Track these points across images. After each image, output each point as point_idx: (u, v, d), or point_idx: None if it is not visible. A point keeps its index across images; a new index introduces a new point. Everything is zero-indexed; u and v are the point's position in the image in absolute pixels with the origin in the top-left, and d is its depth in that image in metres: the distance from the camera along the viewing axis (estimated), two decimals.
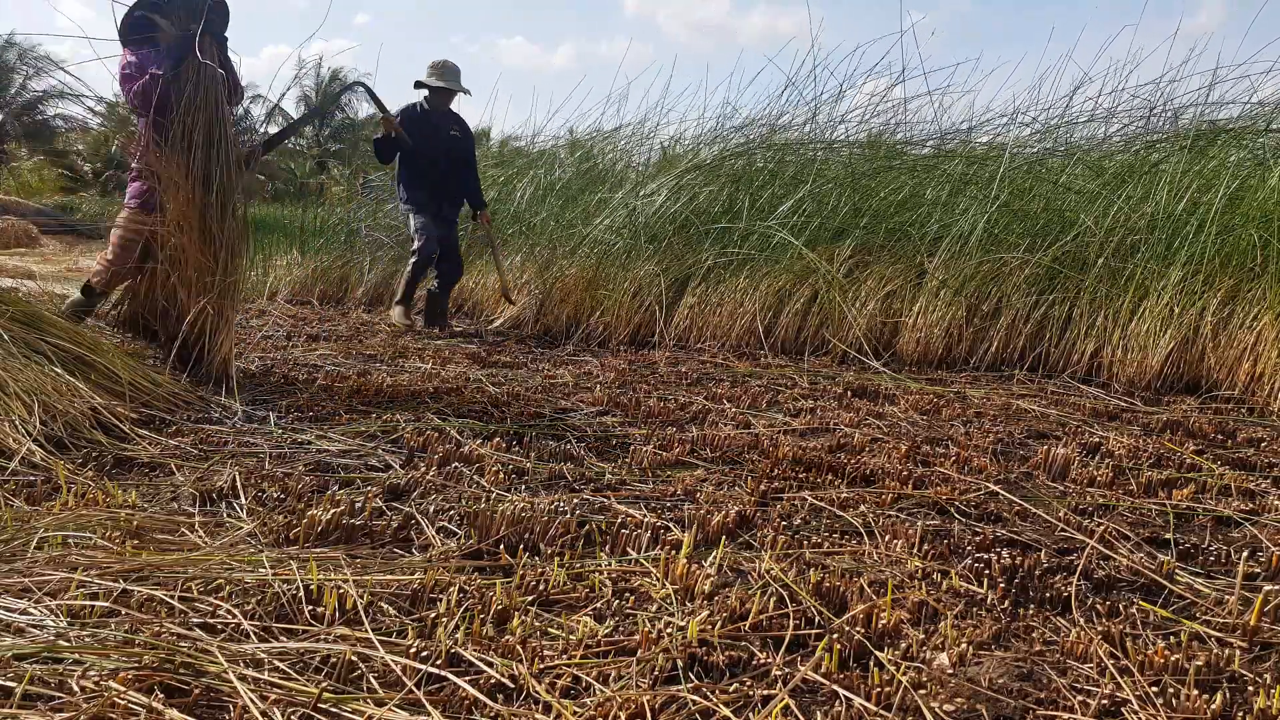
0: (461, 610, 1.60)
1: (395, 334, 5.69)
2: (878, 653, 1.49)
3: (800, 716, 1.31)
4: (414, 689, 1.32)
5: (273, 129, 30.19)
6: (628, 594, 1.72)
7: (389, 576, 1.74)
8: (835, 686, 1.38)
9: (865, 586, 1.75)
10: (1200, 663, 1.47)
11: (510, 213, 8.01)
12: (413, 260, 5.91)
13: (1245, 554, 2.05)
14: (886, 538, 2.09)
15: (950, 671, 1.44)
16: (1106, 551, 2.03)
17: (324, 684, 1.33)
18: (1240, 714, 1.35)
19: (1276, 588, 1.80)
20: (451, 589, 1.69)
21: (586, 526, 2.08)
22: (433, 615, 1.58)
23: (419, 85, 5.97)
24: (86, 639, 1.40)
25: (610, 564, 1.88)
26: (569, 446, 2.85)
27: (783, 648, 1.51)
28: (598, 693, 1.35)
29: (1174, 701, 1.36)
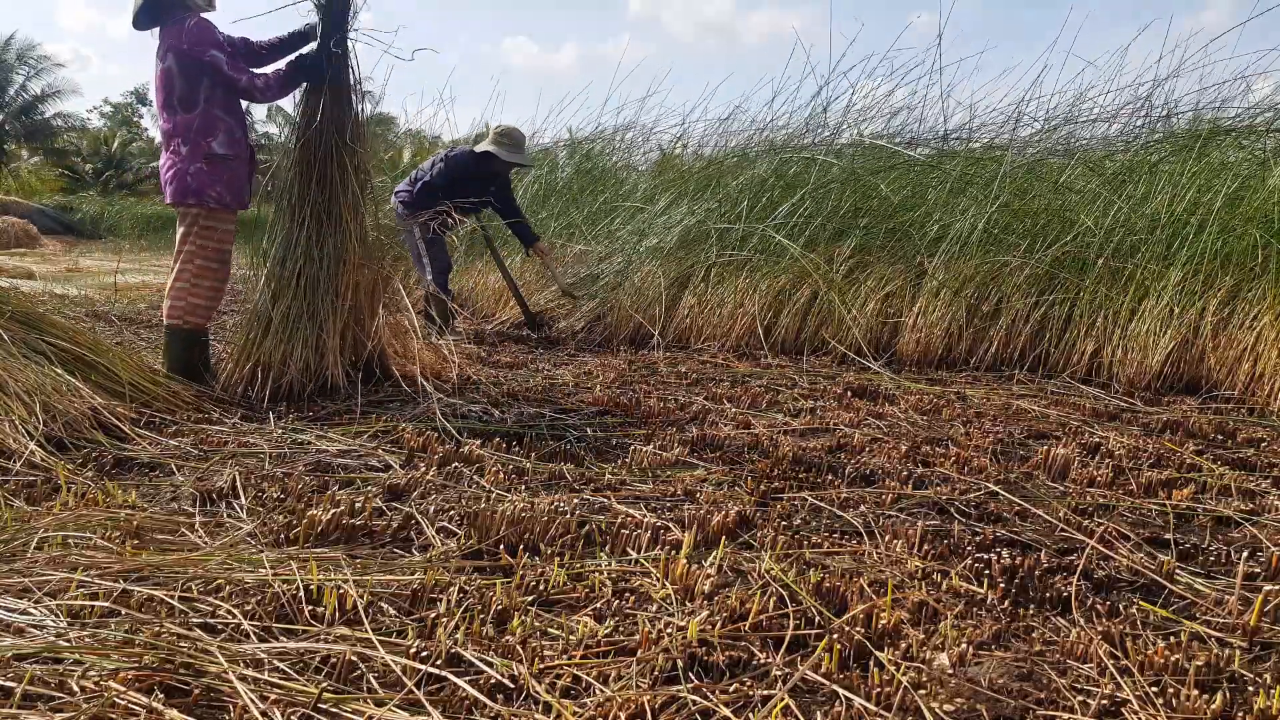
0: (461, 610, 1.60)
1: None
2: (878, 653, 1.49)
3: (800, 716, 1.31)
4: (414, 689, 1.32)
5: (272, 128, 30.10)
6: (628, 594, 1.72)
7: (389, 576, 1.74)
8: (835, 686, 1.38)
9: (865, 586, 1.75)
10: (1200, 663, 1.47)
11: None
12: (429, 293, 5.76)
13: (1245, 554, 2.05)
14: (886, 538, 2.09)
15: (950, 671, 1.44)
16: (1106, 551, 2.03)
17: (324, 684, 1.33)
18: (1240, 714, 1.35)
19: (1276, 588, 1.80)
20: (451, 589, 1.69)
21: (586, 527, 2.08)
22: (433, 615, 1.58)
23: (485, 155, 5.74)
24: (86, 639, 1.40)
25: (610, 564, 1.88)
26: (569, 446, 2.85)
27: (783, 648, 1.51)
28: (598, 693, 1.35)
29: (1174, 701, 1.36)
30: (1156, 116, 6.11)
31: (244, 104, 3.60)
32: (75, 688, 1.27)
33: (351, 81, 3.54)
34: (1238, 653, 1.55)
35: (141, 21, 3.45)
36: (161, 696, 1.26)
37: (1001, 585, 1.79)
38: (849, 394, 3.94)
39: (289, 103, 3.59)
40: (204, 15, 3.41)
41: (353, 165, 3.49)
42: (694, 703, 1.32)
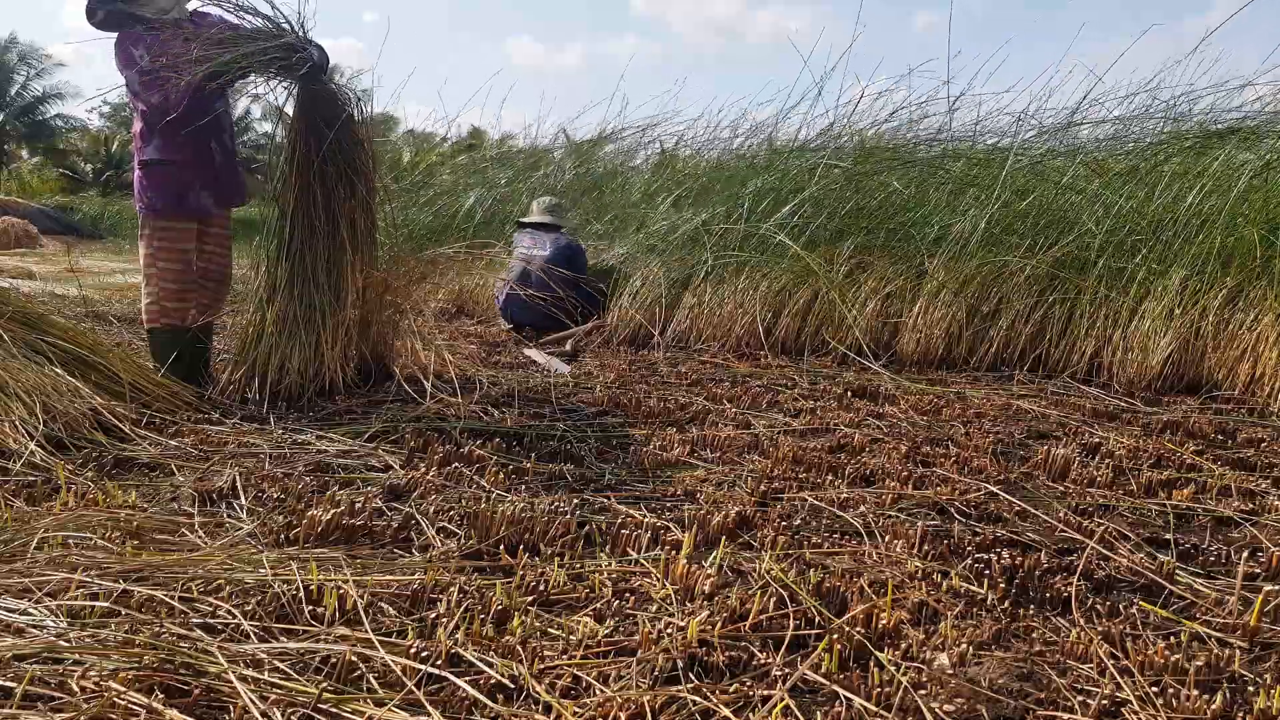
0: (461, 610, 1.60)
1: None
2: (878, 653, 1.49)
3: (800, 716, 1.31)
4: (414, 689, 1.32)
5: (269, 126, 30.05)
6: (628, 594, 1.72)
7: (389, 577, 1.74)
8: (835, 686, 1.38)
9: (865, 586, 1.75)
10: (1200, 663, 1.47)
11: (515, 215, 8.03)
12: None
13: (1245, 554, 2.05)
14: (886, 538, 2.09)
15: (950, 671, 1.44)
16: (1106, 552, 2.03)
17: (324, 684, 1.33)
18: (1240, 714, 1.35)
19: (1276, 588, 1.80)
20: (451, 589, 1.69)
21: (586, 527, 2.08)
22: (433, 615, 1.58)
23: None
24: (86, 639, 1.40)
25: (610, 564, 1.88)
26: (569, 446, 2.85)
27: (783, 648, 1.51)
28: (598, 693, 1.35)
29: (1174, 702, 1.36)
30: (1160, 117, 6.11)
31: (214, 105, 3.50)
32: (75, 688, 1.27)
33: (347, 83, 3.53)
34: (1238, 653, 1.55)
35: (100, 21, 3.40)
36: (161, 696, 1.26)
37: (1001, 585, 1.79)
38: (849, 394, 3.94)
39: (288, 103, 3.56)
40: (137, 30, 3.31)
41: (352, 168, 3.48)
42: (694, 703, 1.32)
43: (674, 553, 1.91)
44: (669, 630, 1.52)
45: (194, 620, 1.51)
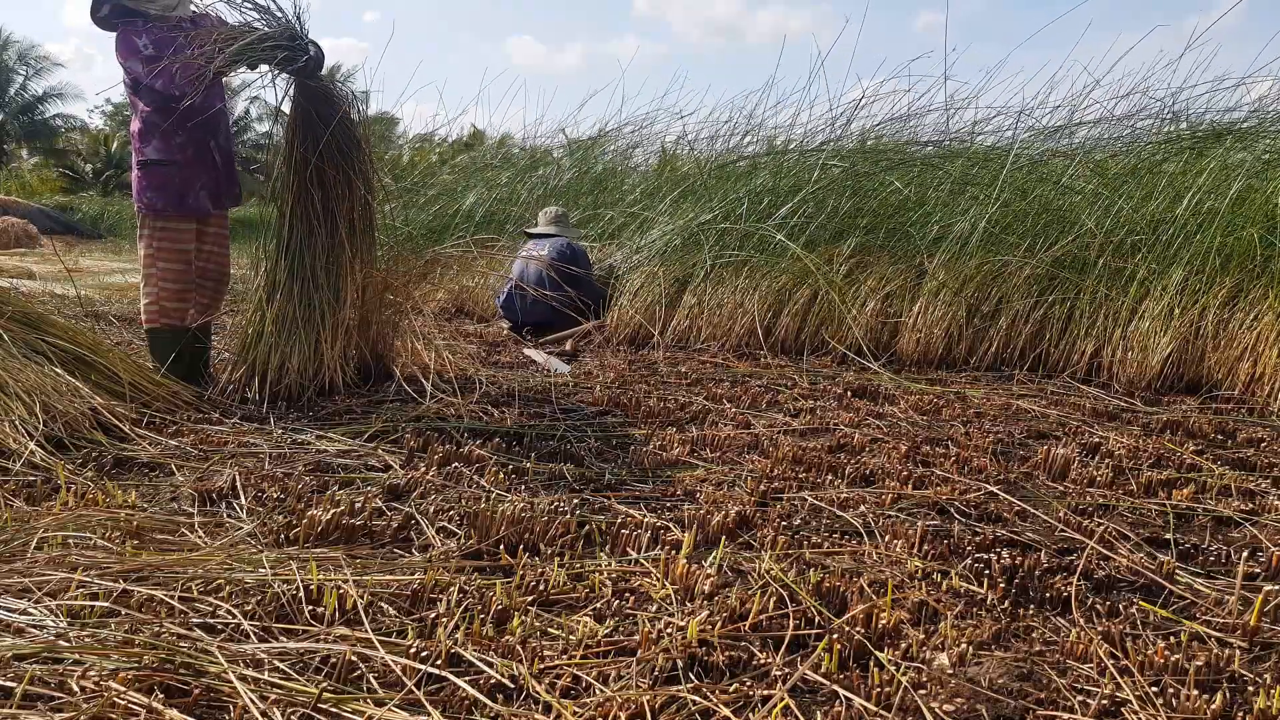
0: (461, 610, 1.60)
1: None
2: (878, 653, 1.49)
3: (800, 716, 1.31)
4: (414, 689, 1.32)
5: (267, 125, 30.01)
6: (628, 594, 1.72)
7: (389, 576, 1.74)
8: (835, 686, 1.38)
9: (865, 586, 1.75)
10: (1200, 663, 1.47)
11: (514, 214, 8.04)
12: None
13: (1245, 554, 2.05)
14: (886, 538, 2.09)
15: (950, 671, 1.44)
16: (1106, 552, 2.03)
17: (324, 684, 1.33)
18: (1240, 714, 1.35)
19: (1276, 588, 1.80)
20: (451, 589, 1.69)
21: (586, 527, 2.08)
22: (433, 615, 1.58)
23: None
24: (86, 639, 1.40)
25: (610, 564, 1.88)
26: (569, 446, 2.85)
27: (783, 648, 1.51)
28: (598, 693, 1.35)
29: (1174, 701, 1.36)
30: (1160, 118, 6.12)
31: (213, 104, 3.49)
32: (75, 688, 1.27)
33: (346, 82, 3.53)
34: (1238, 653, 1.55)
35: (104, 18, 3.41)
36: (161, 696, 1.26)
37: (1001, 585, 1.79)
38: (849, 394, 3.94)
39: (286, 103, 3.56)
40: (138, 24, 3.31)
41: (350, 168, 3.48)
42: (694, 703, 1.32)
43: (674, 553, 1.91)
44: (669, 630, 1.52)
45: (194, 620, 1.51)
